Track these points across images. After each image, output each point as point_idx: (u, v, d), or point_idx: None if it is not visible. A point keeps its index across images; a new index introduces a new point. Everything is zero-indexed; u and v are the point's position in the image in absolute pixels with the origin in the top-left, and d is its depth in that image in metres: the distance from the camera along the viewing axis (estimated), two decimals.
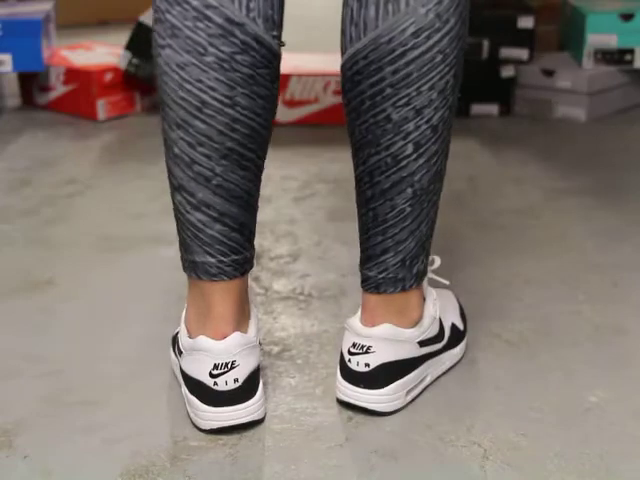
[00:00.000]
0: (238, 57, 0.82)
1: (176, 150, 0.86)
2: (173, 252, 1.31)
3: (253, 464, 0.83)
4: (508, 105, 2.01)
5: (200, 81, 0.82)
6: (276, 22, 0.84)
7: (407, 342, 0.91)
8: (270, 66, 0.84)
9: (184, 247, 0.89)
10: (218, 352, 0.86)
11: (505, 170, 1.67)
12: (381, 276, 0.90)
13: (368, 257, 0.91)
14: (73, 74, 2.01)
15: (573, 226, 1.39)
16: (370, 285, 0.91)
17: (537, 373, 0.98)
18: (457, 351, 1.00)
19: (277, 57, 0.85)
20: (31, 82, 2.08)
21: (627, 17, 1.93)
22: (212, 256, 0.86)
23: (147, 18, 1.97)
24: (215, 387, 0.86)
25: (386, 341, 0.89)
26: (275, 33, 0.84)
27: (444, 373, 0.98)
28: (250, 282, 0.98)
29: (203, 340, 0.86)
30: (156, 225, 1.41)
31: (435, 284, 1.02)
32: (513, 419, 0.90)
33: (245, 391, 0.87)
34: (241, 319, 0.89)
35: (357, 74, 0.84)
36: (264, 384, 0.95)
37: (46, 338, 1.07)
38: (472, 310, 1.09)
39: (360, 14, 0.83)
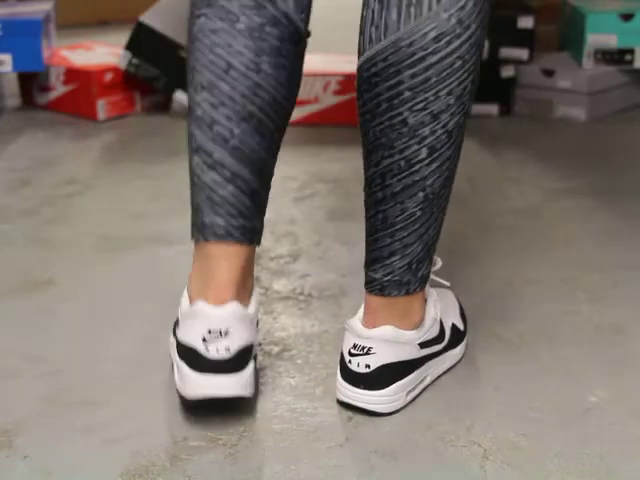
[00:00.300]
0: (267, 28, 0.85)
1: (199, 112, 0.88)
2: (173, 252, 1.31)
3: (253, 464, 0.83)
4: (508, 105, 2.01)
5: (230, 45, 0.85)
6: (305, 6, 0.87)
7: (408, 344, 0.91)
8: (297, 44, 0.87)
9: (195, 211, 0.90)
10: (214, 317, 0.85)
11: (505, 170, 1.67)
12: (386, 279, 0.90)
13: (374, 259, 0.91)
14: (73, 74, 2.01)
15: (573, 226, 1.39)
16: (374, 287, 0.91)
17: (537, 373, 0.98)
18: (457, 351, 1.00)
19: (303, 39, 0.88)
20: (31, 82, 2.08)
21: (627, 17, 1.93)
22: (221, 217, 0.87)
23: (147, 18, 1.97)
24: (206, 353, 0.85)
25: (387, 342, 0.89)
26: (303, 16, 0.87)
27: (444, 373, 0.98)
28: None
29: (201, 304, 0.86)
30: (156, 225, 1.41)
31: (436, 285, 1.02)
32: (513, 419, 0.90)
33: (235, 363, 0.85)
34: (242, 291, 0.88)
35: (375, 76, 0.84)
36: (264, 384, 0.96)
37: (46, 338, 1.07)
38: (472, 310, 1.09)
39: (382, 16, 0.83)
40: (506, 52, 1.97)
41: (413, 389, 0.93)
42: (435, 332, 0.95)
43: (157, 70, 1.97)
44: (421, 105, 0.83)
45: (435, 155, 0.85)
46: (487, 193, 1.55)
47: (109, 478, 0.82)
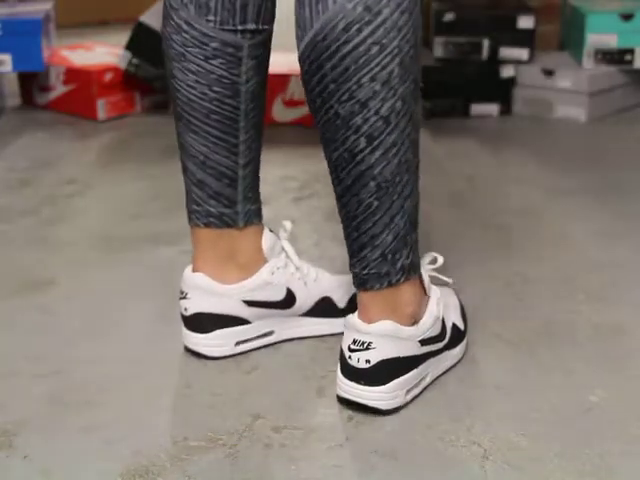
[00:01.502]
0: (174, 36, 1.04)
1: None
2: (173, 252, 1.31)
3: (253, 464, 0.83)
4: (508, 105, 2.01)
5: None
6: (211, 8, 0.93)
7: (408, 340, 0.91)
8: (202, 46, 0.97)
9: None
10: (183, 280, 1.02)
11: (505, 170, 1.67)
12: (364, 272, 0.90)
13: (350, 254, 0.92)
14: (73, 74, 2.01)
15: (573, 226, 1.39)
16: (358, 282, 0.92)
17: (537, 373, 0.98)
18: (457, 351, 1.00)
19: (210, 38, 0.95)
20: (31, 82, 2.08)
21: (627, 17, 1.93)
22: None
23: (147, 18, 1.97)
24: (182, 310, 1.02)
25: (386, 337, 0.89)
26: (210, 18, 0.95)
27: (444, 373, 0.98)
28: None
29: (184, 271, 1.02)
30: (156, 225, 1.41)
31: (437, 282, 1.02)
32: (513, 419, 0.89)
33: (195, 324, 1.01)
34: (220, 269, 1.00)
35: (306, 74, 0.85)
36: (264, 383, 0.95)
37: (46, 338, 1.07)
38: (472, 310, 1.09)
39: (300, 15, 0.84)
40: (506, 52, 1.97)
41: (413, 388, 0.93)
42: (437, 330, 0.95)
43: (157, 70, 1.97)
44: (347, 95, 0.83)
45: (375, 143, 0.84)
46: (487, 193, 1.55)
47: (109, 478, 0.82)
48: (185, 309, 1.01)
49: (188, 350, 1.02)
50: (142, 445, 0.86)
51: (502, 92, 2.00)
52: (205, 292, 1.00)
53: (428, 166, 1.70)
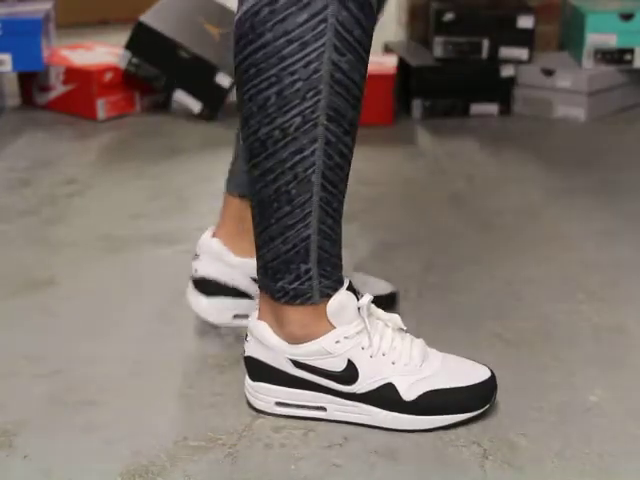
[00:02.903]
0: None
1: None
2: (173, 252, 1.31)
3: (253, 464, 0.83)
4: (508, 105, 2.01)
5: None
6: None
7: (274, 350, 0.88)
8: None
9: None
10: (199, 242, 1.06)
11: (505, 170, 1.67)
12: (258, 266, 0.89)
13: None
14: (73, 74, 2.01)
15: (573, 226, 1.39)
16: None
17: (537, 373, 0.98)
18: (390, 417, 0.87)
19: None
20: (31, 82, 2.08)
21: (627, 17, 1.93)
22: None
23: (147, 18, 1.97)
24: (192, 271, 1.07)
25: (255, 337, 0.89)
26: None
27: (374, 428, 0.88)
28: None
29: (203, 234, 1.06)
30: (156, 225, 1.41)
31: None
32: (513, 419, 0.89)
33: (201, 287, 1.05)
34: (239, 241, 1.03)
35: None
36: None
37: (46, 338, 1.07)
38: (472, 310, 1.09)
39: None
40: (506, 52, 1.97)
41: (288, 405, 0.89)
42: (331, 365, 0.87)
43: (157, 70, 1.97)
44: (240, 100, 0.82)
45: (254, 161, 0.82)
46: (487, 192, 1.55)
47: (109, 478, 0.82)
48: (195, 270, 1.05)
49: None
50: (142, 445, 0.86)
51: (502, 92, 2.00)
52: (216, 258, 1.03)
53: (428, 166, 1.70)
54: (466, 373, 0.89)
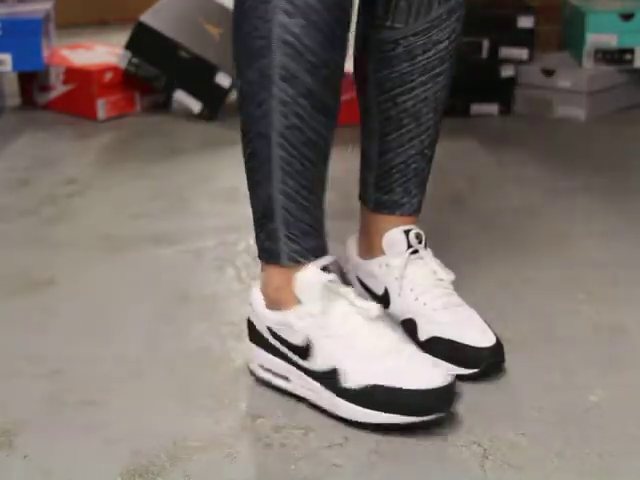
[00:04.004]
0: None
1: None
2: (173, 252, 1.31)
3: (253, 464, 0.83)
4: (508, 105, 2.01)
5: None
6: None
7: (256, 314, 0.95)
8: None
9: None
10: None
11: (505, 170, 1.66)
12: None
13: None
14: (73, 73, 2.01)
15: (573, 225, 1.39)
16: None
17: (537, 372, 0.98)
18: (328, 399, 0.89)
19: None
20: (31, 82, 2.08)
21: (627, 17, 1.93)
22: None
23: (147, 18, 1.97)
24: None
25: (250, 302, 0.96)
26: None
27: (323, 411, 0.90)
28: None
29: None
30: (156, 225, 1.41)
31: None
32: (513, 419, 0.89)
33: None
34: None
35: None
36: (264, 383, 0.95)
37: (46, 338, 1.07)
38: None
39: None
40: (506, 52, 1.97)
41: (270, 373, 0.94)
42: (292, 338, 0.90)
43: (157, 70, 1.97)
44: None
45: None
46: (487, 193, 1.55)
47: (109, 478, 0.82)
48: None
49: None
50: (142, 445, 0.86)
51: (502, 92, 2.00)
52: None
53: None
54: (420, 376, 0.86)
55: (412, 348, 0.91)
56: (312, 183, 0.90)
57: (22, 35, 1.92)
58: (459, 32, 0.98)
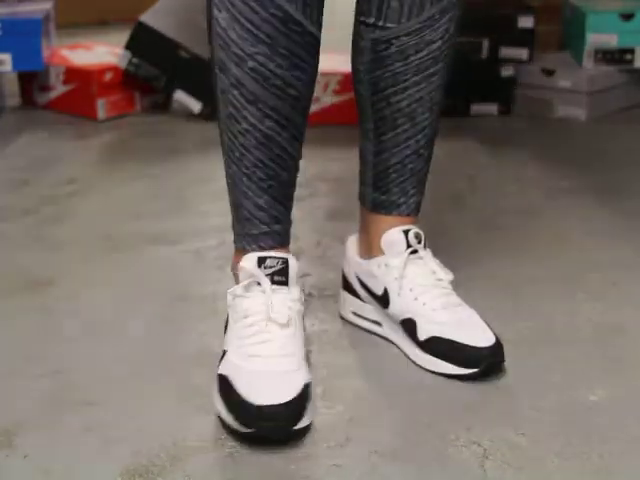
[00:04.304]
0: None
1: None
2: (173, 252, 1.31)
3: (253, 463, 0.83)
4: (508, 105, 2.01)
5: None
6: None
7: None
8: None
9: None
10: None
11: (505, 170, 1.66)
12: None
13: None
14: (73, 73, 2.01)
15: (573, 225, 1.39)
16: None
17: (537, 372, 0.98)
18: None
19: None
20: (31, 82, 2.08)
21: (627, 17, 1.93)
22: None
23: (147, 18, 1.97)
24: None
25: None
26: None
27: None
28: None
29: None
30: (156, 224, 1.41)
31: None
32: (513, 419, 0.89)
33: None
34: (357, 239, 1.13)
35: None
36: None
37: (47, 337, 1.07)
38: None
39: None
40: (506, 52, 1.97)
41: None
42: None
43: (157, 70, 1.97)
44: None
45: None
46: (487, 193, 1.55)
47: (109, 478, 0.81)
48: None
49: None
50: (142, 445, 0.86)
51: (502, 92, 2.00)
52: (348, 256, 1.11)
53: None
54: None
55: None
56: (251, 170, 0.95)
57: (22, 35, 1.91)
58: (453, 32, 0.98)
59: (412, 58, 0.97)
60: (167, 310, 1.12)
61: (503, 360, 0.96)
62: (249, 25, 0.88)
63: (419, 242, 1.02)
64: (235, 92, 0.91)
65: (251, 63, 0.89)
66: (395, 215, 1.03)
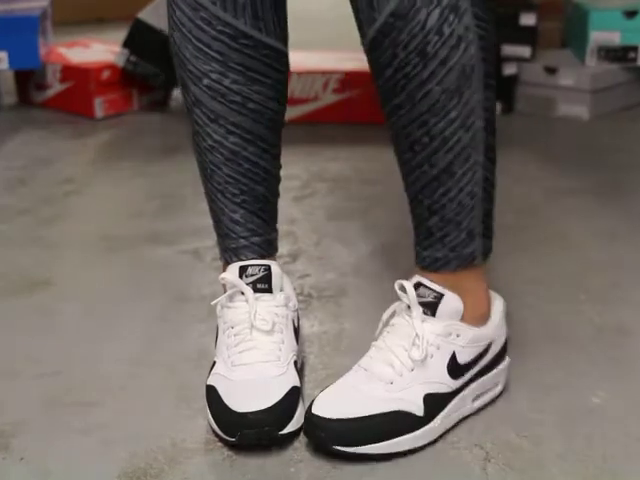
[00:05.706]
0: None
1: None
2: (172, 252, 1.30)
3: (252, 466, 0.83)
4: (510, 103, 2.00)
5: None
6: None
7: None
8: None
9: None
10: None
11: (506, 169, 1.65)
12: None
13: None
14: (70, 71, 2.00)
15: (574, 225, 1.39)
16: None
17: (538, 374, 0.97)
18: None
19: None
20: (27, 80, 2.07)
21: (630, 14, 1.92)
22: None
23: (145, 15, 1.96)
24: None
25: None
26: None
27: None
28: None
29: None
30: (154, 224, 1.40)
31: None
32: (515, 421, 0.89)
33: None
34: None
35: None
36: None
37: (45, 338, 1.06)
38: None
39: None
40: (508, 49, 1.96)
41: None
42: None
43: (155, 67, 1.96)
44: None
45: None
46: None
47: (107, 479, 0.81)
48: None
49: None
50: (140, 447, 0.85)
51: (504, 90, 1.99)
52: None
53: None
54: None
55: None
56: (223, 187, 0.94)
57: (19, 33, 1.91)
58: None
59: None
60: (166, 310, 1.12)
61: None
62: (199, 44, 0.88)
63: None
64: (197, 110, 0.91)
65: (206, 81, 0.89)
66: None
